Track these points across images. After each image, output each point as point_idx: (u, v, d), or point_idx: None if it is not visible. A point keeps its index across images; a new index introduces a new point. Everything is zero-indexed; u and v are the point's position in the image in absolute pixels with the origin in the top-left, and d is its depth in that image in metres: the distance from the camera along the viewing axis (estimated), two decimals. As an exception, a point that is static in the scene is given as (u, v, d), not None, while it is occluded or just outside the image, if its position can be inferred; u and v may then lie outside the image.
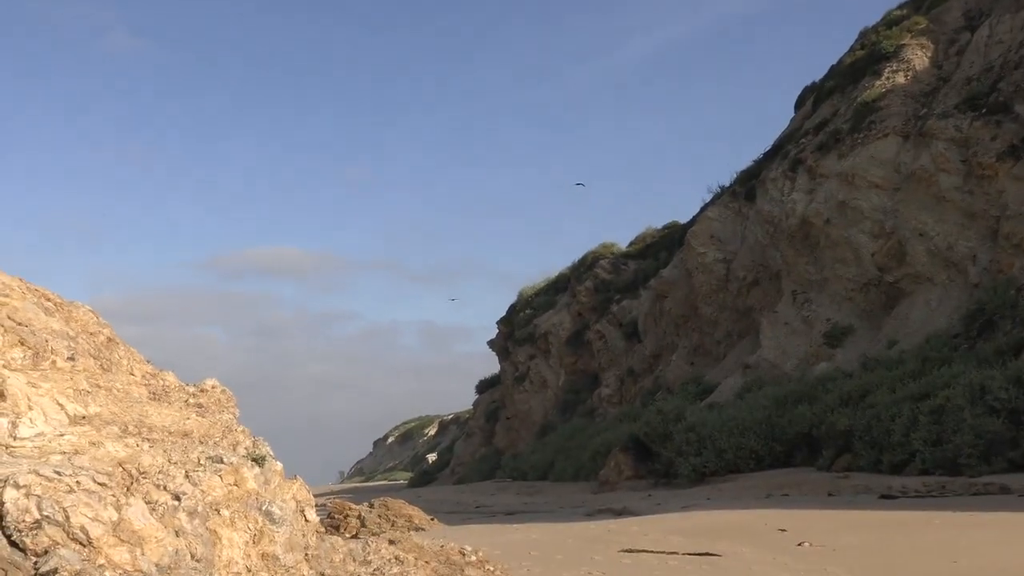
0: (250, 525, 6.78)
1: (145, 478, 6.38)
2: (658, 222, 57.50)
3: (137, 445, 6.76)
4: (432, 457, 79.93)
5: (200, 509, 6.46)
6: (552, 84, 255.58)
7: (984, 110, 29.74)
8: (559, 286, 60.32)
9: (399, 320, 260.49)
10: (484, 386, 67.03)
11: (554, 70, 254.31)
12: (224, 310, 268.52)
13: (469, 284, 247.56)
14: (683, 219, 52.45)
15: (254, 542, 6.77)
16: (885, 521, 13.82)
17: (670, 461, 27.36)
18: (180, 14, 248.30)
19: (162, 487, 6.41)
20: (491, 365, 67.22)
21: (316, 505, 8.03)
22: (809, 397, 26.67)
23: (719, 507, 18.79)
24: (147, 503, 6.13)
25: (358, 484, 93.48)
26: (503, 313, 63.90)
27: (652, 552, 11.99)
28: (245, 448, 7.75)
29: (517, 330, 59.22)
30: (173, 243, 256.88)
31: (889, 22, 39.23)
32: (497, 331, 63.36)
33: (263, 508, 6.97)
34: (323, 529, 8.09)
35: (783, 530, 13.40)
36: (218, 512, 6.61)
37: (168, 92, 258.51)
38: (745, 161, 46.91)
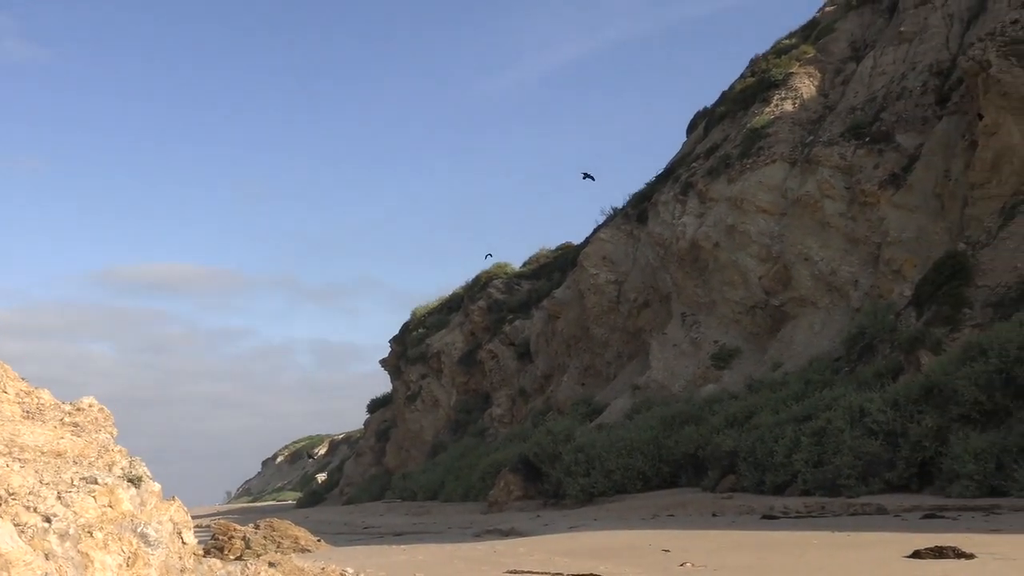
0: (124, 548, 6.69)
1: (14, 499, 6.26)
2: (552, 243, 57.97)
3: (7, 465, 6.63)
4: (321, 477, 79.06)
5: (72, 531, 6.35)
6: (448, 103, 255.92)
7: (867, 139, 30.75)
8: (452, 305, 60.31)
9: (293, 338, 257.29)
10: (376, 405, 66.58)
11: (452, 87, 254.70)
12: (115, 326, 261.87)
13: (364, 302, 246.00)
14: (576, 240, 52.99)
15: (128, 565, 6.68)
16: (766, 542, 14.12)
17: (559, 482, 27.52)
18: (72, 17, 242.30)
19: (32, 508, 6.29)
20: (384, 384, 66.84)
21: (200, 526, 7.95)
22: (696, 418, 27.10)
23: (606, 528, 18.97)
24: (15, 525, 6.01)
25: (245, 504, 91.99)
26: (397, 332, 63.67)
27: (537, 573, 12.07)
28: (121, 468, 7.64)
29: (410, 349, 59.02)
30: (63, 256, 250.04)
31: (778, 51, 40.27)
32: (390, 350, 63.07)
33: (138, 530, 6.88)
34: (201, 552, 8.00)
35: (667, 551, 13.60)
36: (91, 534, 6.51)
37: (59, 97, 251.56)
38: (638, 184, 47.58)
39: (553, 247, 56.99)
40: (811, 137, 33.19)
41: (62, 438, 7.64)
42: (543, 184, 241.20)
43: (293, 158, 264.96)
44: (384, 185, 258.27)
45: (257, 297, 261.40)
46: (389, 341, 63.39)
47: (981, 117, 25.24)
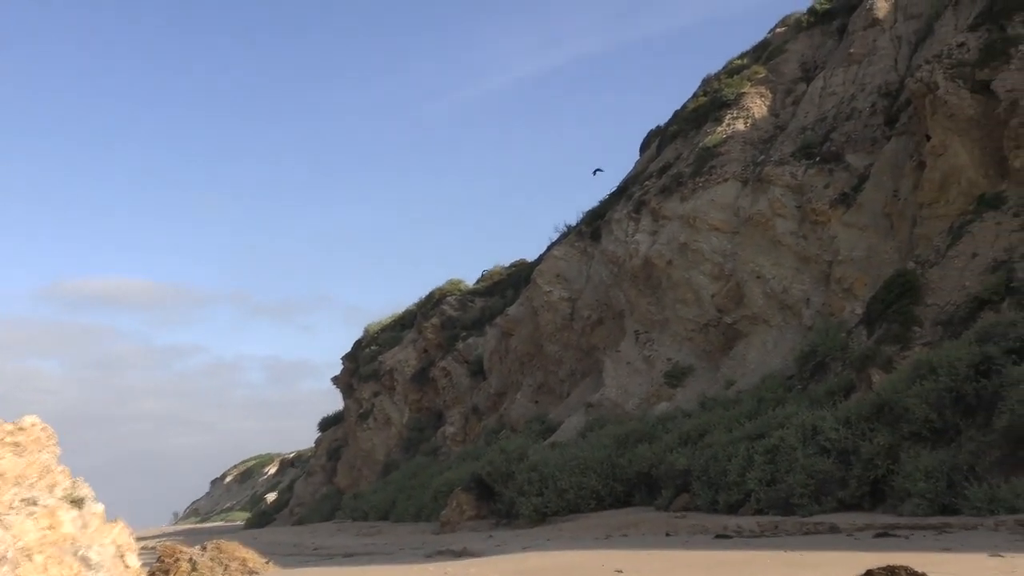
0: (65, 571, 6.51)
1: (-51, 523, 6.07)
2: (506, 260, 58.00)
3: (-58, 488, 6.43)
4: (271, 497, 78.28)
5: (10, 555, 6.17)
6: (404, 118, 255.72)
7: (818, 158, 31.02)
8: (406, 322, 60.08)
9: (244, 355, 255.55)
10: (327, 423, 66.09)
11: (409, 101, 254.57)
12: (62, 341, 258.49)
13: (318, 318, 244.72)
14: (530, 257, 53.05)
15: (68, 590, 6.49)
16: (719, 561, 14.11)
17: (512, 501, 27.37)
18: (14, 19, 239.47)
19: (-32, 533, 6.11)
20: (336, 402, 66.44)
21: (146, 548, 7.77)
22: (649, 436, 27.09)
23: (559, 548, 18.88)
24: (-50, 550, 5.82)
25: (193, 525, 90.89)
26: (349, 349, 63.28)
27: (489, 594, 11.96)
28: (63, 489, 7.45)
29: (362, 366, 58.66)
30: (8, 270, 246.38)
31: (731, 71, 40.61)
32: (342, 367, 62.65)
33: (79, 553, 6.71)
34: (145, 575, 7.81)
35: (619, 571, 13.54)
36: (30, 558, 6.32)
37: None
38: (592, 201, 47.72)
39: (507, 264, 57.06)
40: (762, 156, 33.43)
41: (2, 459, 7.45)
42: (498, 200, 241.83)
43: (247, 170, 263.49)
44: (338, 200, 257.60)
45: (209, 313, 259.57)
46: (341, 358, 63.00)
47: (929, 138, 25.54)
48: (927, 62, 26.16)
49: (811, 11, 39.98)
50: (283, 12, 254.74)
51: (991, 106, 24.17)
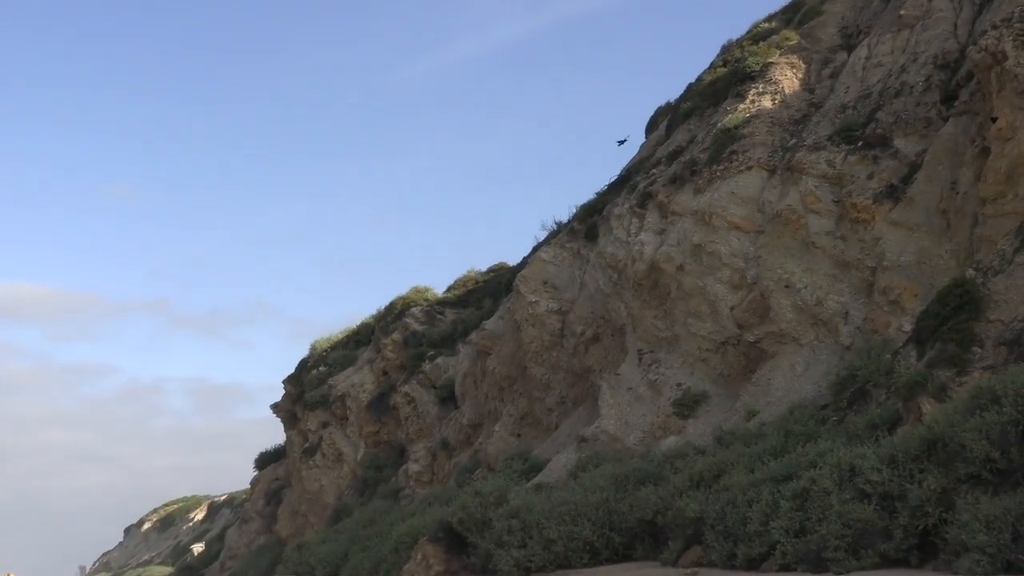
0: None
1: None
2: (482, 264, 58.04)
3: None
4: (198, 548, 78.14)
5: None
6: (362, 91, 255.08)
7: (860, 143, 31.01)
8: (361, 338, 60.06)
9: (166, 376, 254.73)
10: (265, 460, 66.07)
11: (367, 72, 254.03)
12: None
13: (256, 332, 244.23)
14: (512, 261, 53.07)
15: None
16: (736, 627, 14.08)
17: (488, 554, 27.29)
18: None
19: None
20: (275, 434, 66.40)
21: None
22: (655, 477, 27.02)
23: (543, 610, 18.83)
24: None
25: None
26: (293, 370, 63.17)
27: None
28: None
29: (308, 391, 58.58)
30: None
31: (755, 36, 40.64)
32: (284, 392, 62.52)
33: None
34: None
35: (616, 639, 13.50)
36: None
37: None
38: (587, 193, 47.73)
39: (484, 269, 57.12)
40: (793, 140, 33.45)
41: None
42: (475, 191, 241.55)
43: (169, 157, 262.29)
44: (284, 195, 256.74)
45: (123, 326, 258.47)
46: (283, 381, 62.94)
47: (995, 119, 25.56)
48: (994, 27, 26.17)
49: (854, -36, 40.03)
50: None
51: (1069, 81, 24.22)
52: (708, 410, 32.02)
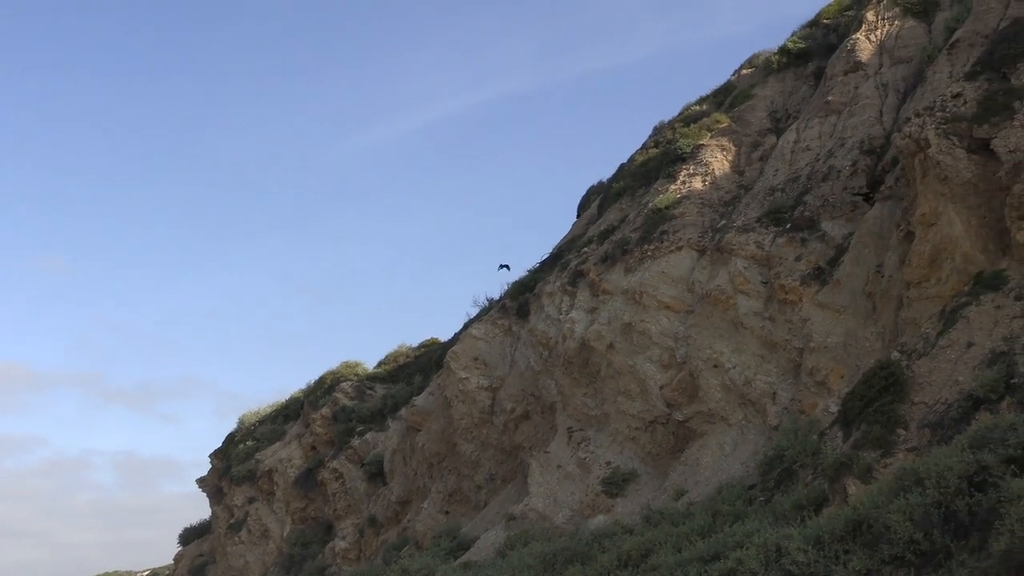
0: None
1: None
2: (414, 339, 57.85)
3: None
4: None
5: None
6: (299, 165, 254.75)
7: (788, 225, 31.40)
8: (290, 413, 59.55)
9: (92, 449, 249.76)
10: (190, 535, 65.04)
11: (305, 147, 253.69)
12: None
13: (186, 406, 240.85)
14: (444, 337, 52.96)
15: None
16: None
17: (414, 634, 27.05)
18: None
19: None
20: (202, 509, 65.49)
21: None
22: (583, 556, 26.88)
23: None
24: None
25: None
26: (220, 444, 62.45)
27: None
28: None
29: (235, 466, 57.85)
30: None
31: (687, 118, 41.22)
32: (210, 467, 61.76)
33: None
34: None
35: None
36: None
37: None
38: (519, 270, 47.85)
39: (415, 344, 56.92)
40: (723, 221, 33.81)
41: None
42: (406, 268, 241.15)
43: (101, 231, 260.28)
44: (212, 269, 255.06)
45: (49, 399, 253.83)
46: (210, 456, 62.14)
47: (918, 205, 25.94)
48: (917, 115, 26.65)
49: (782, 51, 40.68)
50: (155, 42, 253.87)
51: (991, 169, 24.53)
52: (637, 489, 32.00)
